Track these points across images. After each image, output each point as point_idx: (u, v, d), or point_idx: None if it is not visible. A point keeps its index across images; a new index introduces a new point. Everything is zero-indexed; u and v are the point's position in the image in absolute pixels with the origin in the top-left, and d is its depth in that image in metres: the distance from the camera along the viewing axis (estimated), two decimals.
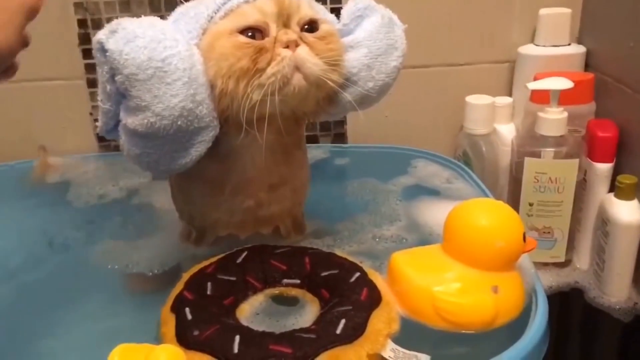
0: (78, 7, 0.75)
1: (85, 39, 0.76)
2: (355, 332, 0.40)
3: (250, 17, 0.43)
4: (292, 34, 0.43)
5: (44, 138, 0.81)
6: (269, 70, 0.41)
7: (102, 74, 0.42)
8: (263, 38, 0.43)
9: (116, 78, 0.41)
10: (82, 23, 0.76)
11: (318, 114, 0.50)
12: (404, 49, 0.49)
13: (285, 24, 0.43)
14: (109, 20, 0.42)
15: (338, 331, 0.39)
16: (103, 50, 0.41)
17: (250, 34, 0.43)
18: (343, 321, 0.40)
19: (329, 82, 0.44)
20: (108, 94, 0.43)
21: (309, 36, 0.44)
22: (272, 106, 0.42)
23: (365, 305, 0.42)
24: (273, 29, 0.43)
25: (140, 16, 0.43)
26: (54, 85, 0.80)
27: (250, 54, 0.41)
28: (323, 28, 0.45)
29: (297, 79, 0.42)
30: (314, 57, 0.43)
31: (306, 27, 0.44)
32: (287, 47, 0.42)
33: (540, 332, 0.41)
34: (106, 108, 0.44)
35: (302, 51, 0.42)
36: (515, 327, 0.43)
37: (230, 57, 0.42)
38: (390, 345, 0.40)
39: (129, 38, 0.40)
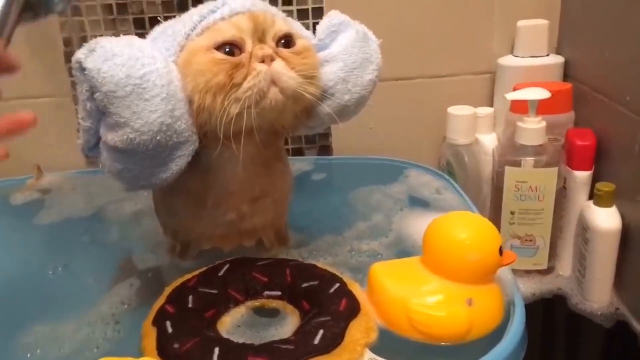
0: (63, 25, 0.76)
1: (71, 57, 0.76)
2: (332, 342, 0.40)
3: (227, 33, 0.44)
4: (268, 48, 0.43)
5: (31, 154, 0.81)
6: (245, 85, 0.42)
7: (81, 92, 0.43)
8: (240, 53, 0.44)
9: (95, 96, 0.42)
10: (67, 41, 0.77)
11: (297, 127, 0.51)
12: (378, 62, 0.50)
13: (261, 39, 0.44)
14: (94, 38, 0.43)
15: (316, 341, 0.40)
16: (82, 68, 0.42)
17: (227, 49, 0.44)
18: (321, 331, 0.41)
19: (305, 94, 0.45)
20: (88, 112, 0.44)
21: (284, 51, 0.45)
22: (249, 120, 0.43)
23: (343, 315, 0.43)
24: (249, 44, 0.44)
25: (123, 34, 0.44)
26: (41, 103, 0.80)
27: (227, 69, 0.42)
28: (299, 43, 0.46)
29: (274, 93, 0.43)
30: (290, 71, 0.44)
31: (282, 41, 0.45)
32: (262, 61, 0.43)
33: (516, 340, 0.42)
34: (87, 126, 0.45)
35: (278, 65, 0.43)
36: (495, 337, 0.43)
37: (206, 73, 0.43)
38: (368, 354, 0.41)
39: (107, 56, 0.41)
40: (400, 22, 0.79)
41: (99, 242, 0.63)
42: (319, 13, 0.77)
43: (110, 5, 0.76)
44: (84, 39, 0.77)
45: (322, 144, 0.85)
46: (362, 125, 0.83)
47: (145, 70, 0.41)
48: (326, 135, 0.84)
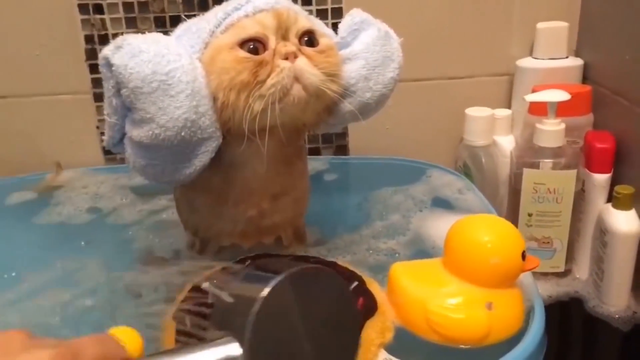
0: (85, 23, 0.77)
1: (92, 54, 0.78)
2: None
3: (250, 30, 0.44)
4: (291, 45, 0.44)
5: (51, 151, 0.82)
6: (269, 82, 0.43)
7: (108, 88, 0.44)
8: (263, 50, 0.44)
9: (122, 92, 0.42)
10: (89, 39, 0.78)
11: (318, 125, 0.51)
12: (400, 60, 0.50)
13: (284, 37, 0.45)
14: (115, 36, 0.43)
15: None
16: (109, 65, 0.42)
17: (251, 46, 0.44)
18: None
19: (328, 92, 0.45)
20: (114, 108, 0.45)
21: (307, 49, 0.45)
22: (272, 116, 0.43)
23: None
24: (272, 41, 0.44)
25: (146, 32, 0.44)
26: (61, 100, 0.81)
27: (251, 67, 0.43)
28: (322, 42, 0.47)
29: (297, 90, 0.43)
30: (313, 68, 0.44)
31: (305, 39, 0.46)
32: (286, 58, 0.43)
33: (535, 344, 0.42)
34: (112, 122, 0.46)
35: (301, 62, 0.44)
36: (514, 339, 0.43)
37: (231, 71, 0.43)
38: (383, 354, 0.41)
39: (134, 53, 0.41)
40: (418, 23, 0.79)
41: (107, 240, 0.63)
42: (338, 13, 0.77)
43: (131, 4, 0.76)
44: (105, 37, 0.78)
45: (338, 144, 0.85)
46: (379, 125, 0.83)
47: (171, 66, 0.42)
48: (343, 135, 0.84)
